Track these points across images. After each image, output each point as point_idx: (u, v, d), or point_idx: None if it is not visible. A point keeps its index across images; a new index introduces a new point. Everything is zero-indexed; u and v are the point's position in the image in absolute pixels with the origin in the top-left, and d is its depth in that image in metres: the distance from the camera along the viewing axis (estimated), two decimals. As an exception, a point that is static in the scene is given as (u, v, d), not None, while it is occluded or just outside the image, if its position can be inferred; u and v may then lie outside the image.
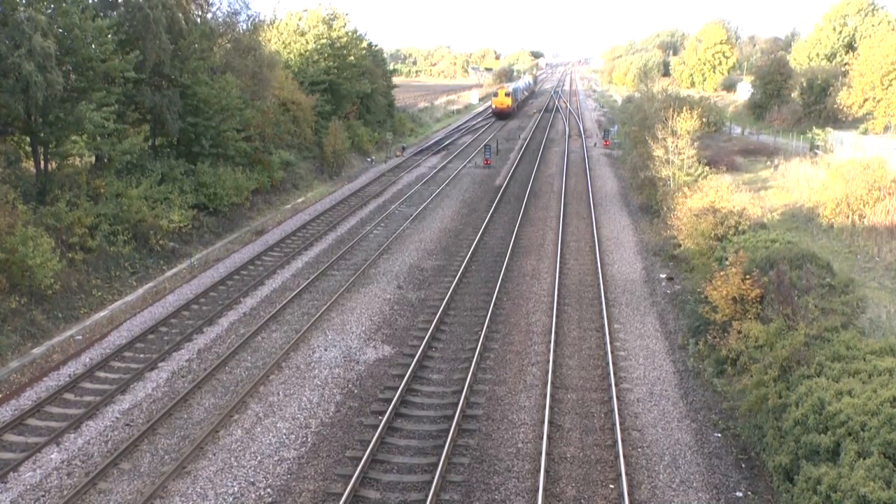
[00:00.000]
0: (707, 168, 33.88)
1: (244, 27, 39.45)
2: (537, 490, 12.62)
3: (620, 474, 13.09)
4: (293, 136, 43.35)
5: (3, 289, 19.30)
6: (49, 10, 23.40)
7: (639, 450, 14.28)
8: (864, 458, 10.71)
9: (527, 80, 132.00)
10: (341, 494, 12.51)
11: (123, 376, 17.36)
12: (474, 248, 28.16)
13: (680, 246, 26.25)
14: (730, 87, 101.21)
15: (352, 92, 53.50)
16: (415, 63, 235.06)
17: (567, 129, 72.55)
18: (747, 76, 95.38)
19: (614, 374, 17.18)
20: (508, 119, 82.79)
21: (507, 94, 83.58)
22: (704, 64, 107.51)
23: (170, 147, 32.44)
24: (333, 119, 47.70)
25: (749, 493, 12.99)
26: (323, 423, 15.33)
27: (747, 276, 17.94)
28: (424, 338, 19.21)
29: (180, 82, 30.80)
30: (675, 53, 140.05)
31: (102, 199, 25.36)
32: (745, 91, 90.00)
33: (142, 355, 18.62)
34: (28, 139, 24.53)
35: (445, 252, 28.28)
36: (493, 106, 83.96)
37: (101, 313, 21.45)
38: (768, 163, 42.31)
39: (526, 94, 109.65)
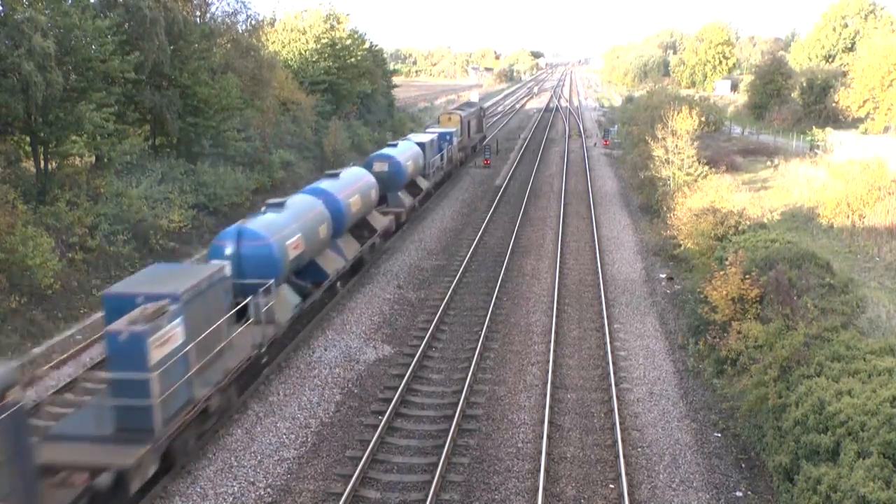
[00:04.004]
0: (707, 168, 33.87)
1: (244, 27, 39.45)
2: (537, 490, 12.62)
3: (620, 474, 13.09)
4: (293, 136, 43.35)
5: (3, 289, 19.30)
6: (49, 10, 23.43)
7: (639, 450, 14.28)
8: (864, 459, 10.71)
9: (428, 141, 36.13)
10: (341, 494, 12.51)
11: (123, 376, 17.33)
12: (474, 247, 28.15)
13: (680, 246, 26.24)
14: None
15: (352, 92, 53.51)
16: (415, 63, 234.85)
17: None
18: (747, 76, 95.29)
19: (614, 373, 17.18)
20: None
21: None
22: (706, 64, 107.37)
23: (170, 147, 32.44)
24: (333, 119, 47.71)
25: (749, 492, 12.99)
26: (323, 422, 15.33)
27: (747, 276, 17.93)
28: (424, 337, 19.20)
29: (180, 82, 30.82)
30: (674, 53, 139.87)
31: (102, 199, 25.36)
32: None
33: (142, 355, 18.59)
34: (28, 139, 24.56)
35: (445, 252, 28.28)
36: None
37: (102, 313, 21.41)
38: (768, 163, 42.26)
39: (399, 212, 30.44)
